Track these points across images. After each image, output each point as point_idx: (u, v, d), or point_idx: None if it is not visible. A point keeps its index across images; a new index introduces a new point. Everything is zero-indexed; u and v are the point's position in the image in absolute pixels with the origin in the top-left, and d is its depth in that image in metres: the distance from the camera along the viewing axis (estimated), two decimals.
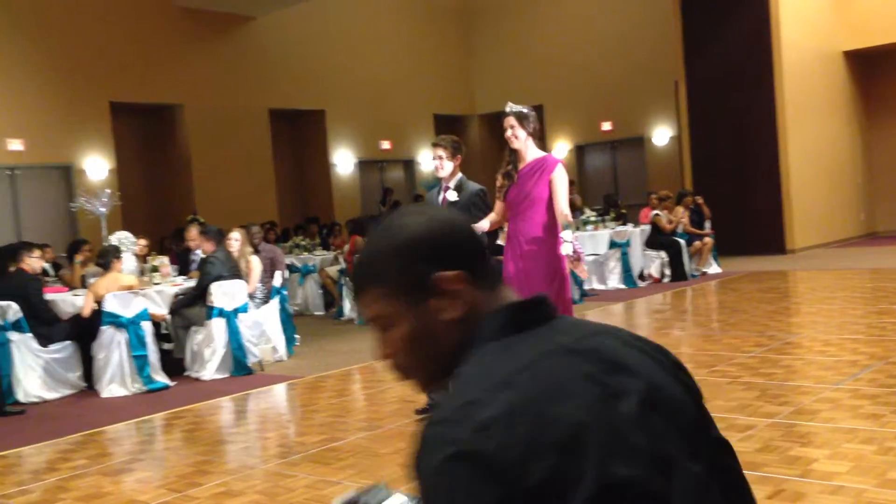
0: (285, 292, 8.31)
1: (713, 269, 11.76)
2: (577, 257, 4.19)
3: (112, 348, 6.66)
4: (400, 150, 16.89)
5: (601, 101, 16.33)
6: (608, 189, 15.96)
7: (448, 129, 17.91)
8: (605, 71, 16.14)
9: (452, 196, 4.90)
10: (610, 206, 12.68)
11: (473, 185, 4.94)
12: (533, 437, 0.90)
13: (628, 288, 10.79)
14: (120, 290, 6.79)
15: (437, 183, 5.20)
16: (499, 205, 4.61)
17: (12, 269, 7.15)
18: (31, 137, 11.92)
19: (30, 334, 6.68)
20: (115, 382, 6.64)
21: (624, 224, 11.72)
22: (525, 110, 4.44)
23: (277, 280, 8.11)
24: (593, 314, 9.18)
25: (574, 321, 1.12)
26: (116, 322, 6.67)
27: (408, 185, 17.30)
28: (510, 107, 4.46)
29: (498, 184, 4.57)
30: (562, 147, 17.23)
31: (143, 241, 9.23)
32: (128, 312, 6.69)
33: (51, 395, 6.67)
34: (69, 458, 4.92)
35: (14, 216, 12.14)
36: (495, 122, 18.17)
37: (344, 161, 15.89)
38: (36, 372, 6.66)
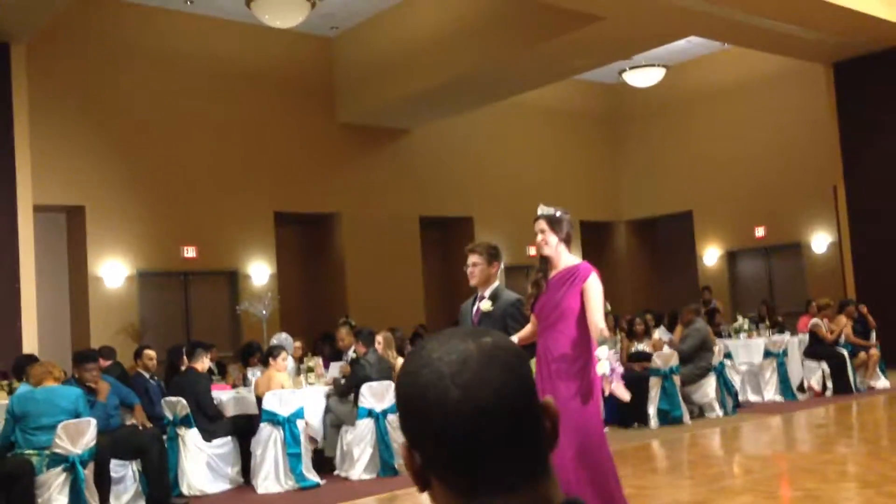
0: None
1: (881, 382, 10.99)
2: (613, 378, 3.67)
3: (269, 445, 6.96)
4: None
5: (753, 207, 15.95)
6: (762, 297, 15.37)
7: (594, 235, 17.95)
8: (758, 176, 15.82)
9: (486, 306, 4.56)
10: (766, 314, 12.21)
11: (510, 295, 4.62)
12: None
13: (786, 400, 10.23)
14: (276, 389, 7.13)
15: None
16: (532, 317, 4.17)
17: (183, 367, 7.70)
18: (203, 245, 12.91)
19: (195, 429, 7.10)
20: (271, 479, 6.90)
21: (780, 332, 11.22)
22: (557, 213, 4.10)
23: None
24: (748, 427, 8.76)
25: None
26: (273, 420, 6.98)
27: None
28: (541, 209, 4.13)
29: (528, 293, 4.17)
30: (712, 253, 16.84)
31: (297, 343, 9.72)
32: (284, 411, 7.01)
33: (211, 488, 7.01)
34: None
35: (185, 318, 13.06)
36: (643, 228, 18.14)
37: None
38: (199, 466, 7.04)
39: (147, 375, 7.79)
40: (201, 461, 7.06)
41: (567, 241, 4.07)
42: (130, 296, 12.29)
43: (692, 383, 9.35)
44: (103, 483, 5.99)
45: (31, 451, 5.71)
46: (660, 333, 10.36)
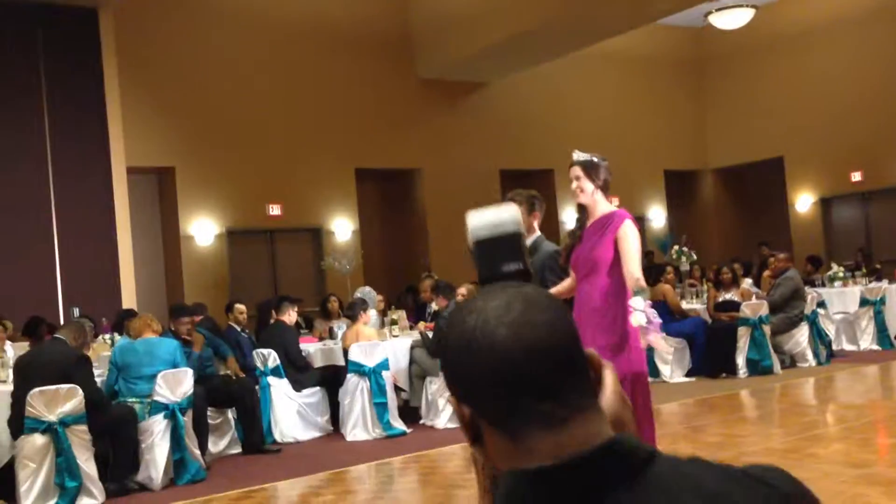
0: None
1: None
2: (650, 329, 3.45)
3: (356, 395, 7.13)
4: (629, 206, 16.39)
5: (849, 151, 15.27)
6: (858, 244, 14.80)
7: (680, 184, 17.53)
8: (852, 119, 15.12)
9: None
10: (863, 262, 11.76)
11: (549, 246, 4.40)
12: None
13: (883, 349, 9.87)
14: (362, 341, 7.28)
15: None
16: (571, 271, 3.96)
17: (272, 320, 7.92)
18: (288, 202, 13.17)
19: (285, 380, 7.33)
20: (359, 427, 7.09)
21: (878, 280, 10.80)
22: (595, 159, 3.89)
23: None
24: (842, 376, 8.50)
25: (661, 481, 0.81)
26: (360, 370, 7.14)
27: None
28: (577, 155, 3.94)
29: (564, 244, 4.03)
30: (805, 200, 16.26)
31: (380, 297, 9.88)
32: (370, 362, 7.15)
33: (303, 436, 7.25)
34: (319, 494, 5.32)
35: (272, 274, 13.41)
36: (731, 176, 17.61)
37: (573, 219, 16.02)
38: (290, 414, 7.28)
39: (238, 328, 8.05)
40: (292, 410, 7.29)
41: (604, 188, 3.88)
42: (220, 253, 12.67)
43: (783, 333, 9.11)
44: (201, 430, 6.26)
45: (133, 399, 6.00)
46: (747, 285, 10.13)
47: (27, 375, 5.62)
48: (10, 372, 6.04)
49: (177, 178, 12.37)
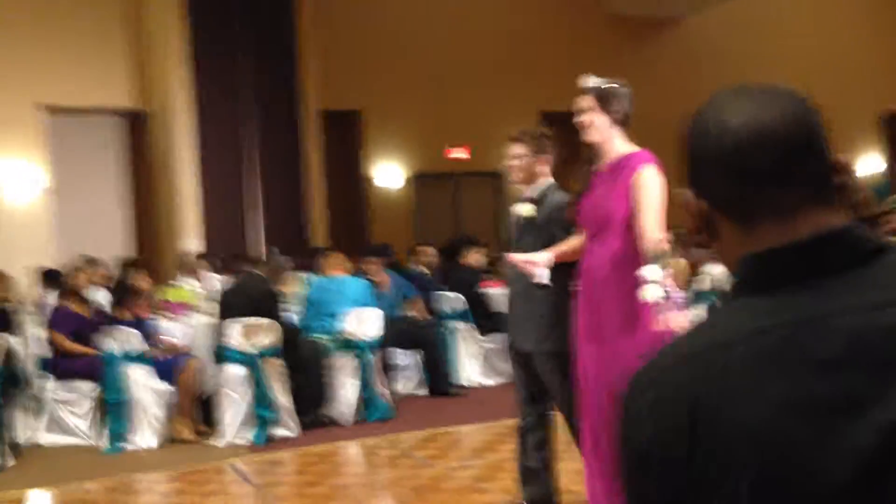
0: None
1: None
2: (668, 307, 2.65)
3: None
4: (838, 152, 15.36)
5: None
6: None
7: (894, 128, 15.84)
8: None
9: (527, 210, 3.58)
10: None
11: (559, 196, 3.57)
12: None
13: None
14: None
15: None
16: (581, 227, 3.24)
17: (461, 261, 7.86)
18: (472, 146, 13.07)
19: (471, 324, 7.25)
20: None
21: None
22: (615, 85, 3.08)
23: None
24: None
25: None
26: None
27: None
28: (588, 81, 3.11)
29: (572, 191, 3.31)
30: None
31: None
32: None
33: (487, 381, 7.18)
34: (504, 441, 5.19)
35: (455, 218, 13.43)
36: None
37: None
38: (476, 359, 7.22)
39: (424, 271, 8.06)
40: (477, 354, 7.23)
41: (623, 122, 3.09)
42: (405, 196, 12.82)
43: None
44: (389, 369, 6.31)
45: (324, 336, 6.12)
46: None
47: (228, 307, 5.86)
48: (213, 304, 6.32)
49: (364, 121, 12.56)
